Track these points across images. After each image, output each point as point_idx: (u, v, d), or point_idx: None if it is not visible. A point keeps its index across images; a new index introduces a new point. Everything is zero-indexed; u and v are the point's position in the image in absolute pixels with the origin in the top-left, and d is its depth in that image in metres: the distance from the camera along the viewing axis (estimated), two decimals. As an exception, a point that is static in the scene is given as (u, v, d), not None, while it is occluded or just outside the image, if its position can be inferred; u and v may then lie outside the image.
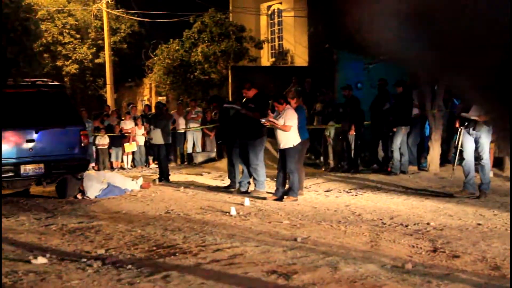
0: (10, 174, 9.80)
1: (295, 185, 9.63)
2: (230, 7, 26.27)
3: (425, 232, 6.76)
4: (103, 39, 27.40)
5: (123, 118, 18.64)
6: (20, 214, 8.77)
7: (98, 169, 16.53)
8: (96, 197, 10.43)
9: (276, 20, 26.18)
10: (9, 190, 10.46)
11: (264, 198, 9.77)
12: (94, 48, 29.57)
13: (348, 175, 12.66)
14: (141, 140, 17.66)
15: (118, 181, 11.12)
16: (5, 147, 9.70)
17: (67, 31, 29.23)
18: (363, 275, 4.85)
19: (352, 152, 13.32)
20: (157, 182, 12.63)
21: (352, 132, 13.14)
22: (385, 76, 13.18)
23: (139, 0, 27.59)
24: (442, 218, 7.69)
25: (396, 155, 12.33)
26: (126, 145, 17.42)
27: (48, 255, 5.76)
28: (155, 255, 5.81)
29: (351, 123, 13.14)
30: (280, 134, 9.66)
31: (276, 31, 26.17)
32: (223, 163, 14.23)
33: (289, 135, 9.59)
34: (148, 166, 17.60)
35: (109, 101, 25.69)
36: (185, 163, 17.75)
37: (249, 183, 10.79)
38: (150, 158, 17.76)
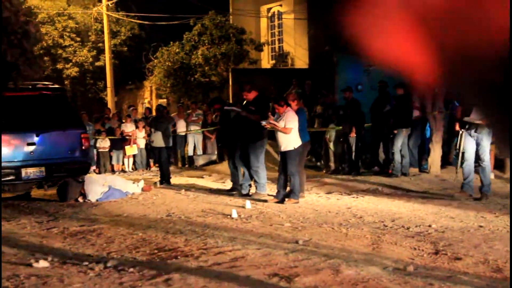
0: (11, 177, 9.81)
1: (296, 187, 9.63)
2: (230, 10, 26.29)
3: (426, 234, 6.76)
4: (103, 42, 27.40)
5: (123, 121, 18.64)
6: (21, 218, 8.77)
7: (99, 172, 16.54)
8: (97, 200, 10.43)
9: (276, 23, 26.18)
10: (10, 193, 10.46)
11: (265, 201, 9.76)
12: (95, 51, 29.58)
13: (349, 177, 12.65)
14: (142, 143, 17.66)
15: (119, 184, 11.12)
16: (6, 151, 9.70)
17: (67, 34, 29.24)
18: (364, 278, 4.84)
19: (353, 154, 13.32)
20: (158, 185, 12.63)
21: (353, 134, 13.14)
22: (385, 78, 13.18)
23: (139, 3, 27.61)
24: (444, 220, 7.68)
25: (397, 157, 12.33)
26: (127, 148, 17.42)
27: (49, 259, 5.76)
28: (157, 258, 5.81)
29: (351, 125, 13.14)
30: (280, 137, 9.66)
31: (276, 33, 26.17)
32: (224, 166, 14.22)
33: (290, 137, 9.58)
34: (149, 169, 17.59)
35: (110, 104, 25.69)
36: (186, 165, 17.76)
37: (250, 185, 10.78)
38: (151, 161, 17.76)
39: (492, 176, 11.10)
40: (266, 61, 25.88)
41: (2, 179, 9.59)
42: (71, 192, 10.55)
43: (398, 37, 0.70)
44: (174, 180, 13.33)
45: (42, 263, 5.53)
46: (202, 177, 14.38)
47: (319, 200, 9.94)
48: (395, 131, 12.34)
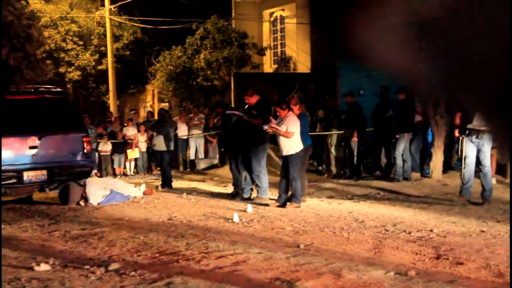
0: (13, 180, 9.82)
1: (298, 191, 9.63)
2: (233, 14, 26.34)
3: (428, 239, 6.75)
4: (106, 46, 27.44)
5: (125, 124, 18.66)
6: (23, 221, 8.78)
7: (101, 176, 16.55)
8: (99, 203, 10.43)
9: (278, 27, 26.22)
10: (12, 196, 10.47)
11: (267, 205, 9.76)
12: (97, 54, 29.62)
13: (350, 181, 12.65)
14: (144, 146, 17.67)
15: (121, 188, 11.12)
16: (8, 154, 9.72)
17: (70, 37, 29.29)
18: (366, 282, 4.84)
19: (355, 158, 13.32)
20: (159, 188, 12.64)
21: (355, 139, 13.14)
22: (388, 83, 13.19)
23: (142, 7, 27.67)
24: (445, 225, 7.68)
25: (399, 161, 12.33)
26: (129, 151, 17.44)
27: (51, 262, 5.76)
28: (158, 262, 5.80)
29: (353, 129, 13.14)
30: (282, 141, 9.66)
31: (279, 37, 26.21)
32: (226, 170, 14.23)
33: (292, 141, 9.59)
34: (151, 173, 17.60)
35: (112, 108, 25.72)
36: (188, 169, 17.76)
37: (251, 189, 10.78)
38: (153, 165, 17.77)
39: (493, 181, 11.08)
40: (268, 66, 25.91)
41: (4, 183, 9.60)
42: (72, 196, 10.55)
43: (400, 44, 0.71)
44: (176, 184, 13.34)
45: (44, 267, 5.53)
46: (204, 181, 14.38)
47: (321, 205, 9.93)
48: (397, 136, 12.34)
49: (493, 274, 5.16)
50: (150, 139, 15.16)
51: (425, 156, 13.09)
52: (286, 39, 25.55)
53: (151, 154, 16.46)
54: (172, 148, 13.66)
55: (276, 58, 26.17)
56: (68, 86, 28.89)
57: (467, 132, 9.25)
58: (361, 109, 13.27)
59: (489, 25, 0.63)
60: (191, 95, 24.18)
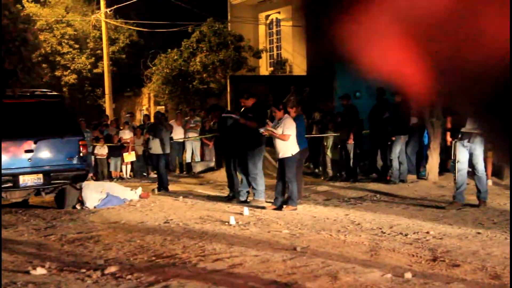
0: (9, 184, 9.80)
1: (294, 194, 9.63)
2: (229, 17, 26.36)
3: (424, 241, 6.75)
4: (101, 49, 27.43)
5: (121, 128, 18.64)
6: (19, 225, 8.76)
7: (97, 179, 16.51)
8: (95, 207, 10.41)
9: (274, 30, 26.25)
10: (7, 201, 10.44)
11: (263, 208, 9.76)
12: (93, 58, 29.60)
13: (347, 184, 12.66)
14: (140, 150, 17.65)
15: (117, 191, 11.11)
16: (4, 158, 9.70)
17: (65, 41, 29.27)
18: (363, 285, 4.84)
19: (351, 161, 13.33)
20: (156, 191, 12.63)
21: (351, 141, 13.16)
22: (384, 85, 13.19)
23: (138, 10, 27.65)
24: (442, 227, 7.68)
25: (395, 164, 12.35)
26: (125, 155, 17.41)
27: (47, 266, 5.75)
28: (155, 265, 5.80)
29: (349, 132, 13.15)
30: (278, 144, 9.67)
31: (275, 40, 26.24)
32: (222, 173, 14.21)
33: (288, 144, 9.59)
34: (147, 176, 17.58)
35: (108, 111, 25.70)
36: (184, 172, 17.75)
37: (248, 192, 10.78)
38: (149, 168, 17.74)
39: (490, 183, 11.10)
40: (264, 68, 25.93)
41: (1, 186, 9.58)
42: (69, 199, 10.53)
43: (393, 50, 0.71)
44: (172, 187, 13.32)
45: (40, 270, 5.52)
46: (200, 184, 14.37)
47: (317, 207, 9.93)
48: (393, 138, 12.36)
49: (489, 276, 5.17)
50: (146, 142, 15.15)
51: (421, 158, 13.10)
52: (282, 42, 25.58)
53: (147, 157, 16.43)
54: (168, 151, 13.65)
55: (272, 60, 26.20)
56: (64, 89, 28.86)
57: (459, 136, 9.24)
58: (357, 112, 13.29)
59: (481, 29, 0.63)
60: (187, 98, 24.18)
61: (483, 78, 0.67)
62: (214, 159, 17.29)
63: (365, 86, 15.50)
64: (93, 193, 10.63)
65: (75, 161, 10.51)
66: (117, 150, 17.42)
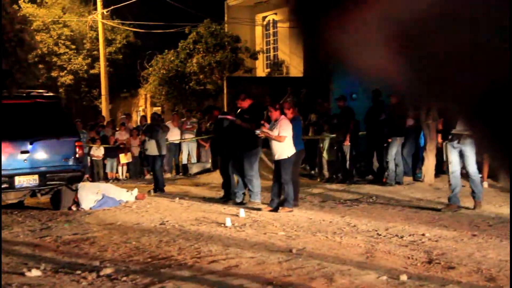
0: (5, 185, 9.77)
1: (290, 196, 9.62)
2: (226, 18, 26.34)
3: (420, 243, 6.76)
4: (98, 50, 27.40)
5: (117, 129, 18.62)
6: (14, 226, 8.74)
7: (93, 180, 16.49)
8: (90, 208, 10.39)
9: (271, 31, 26.25)
10: (3, 202, 10.41)
11: (259, 209, 9.75)
12: (89, 58, 29.57)
13: (343, 186, 12.66)
14: (136, 151, 17.63)
15: (113, 192, 11.09)
16: (0, 158, 9.67)
17: (62, 42, 29.23)
18: (358, 287, 4.85)
19: (347, 162, 13.32)
20: (152, 193, 12.61)
21: (347, 143, 13.16)
22: (381, 87, 13.18)
23: (134, 11, 27.63)
24: (437, 229, 7.69)
25: (391, 165, 12.35)
26: (121, 156, 17.40)
27: (42, 267, 5.74)
28: (150, 266, 5.79)
29: (346, 133, 13.15)
30: (274, 145, 9.66)
31: (271, 41, 26.24)
32: (219, 174, 14.20)
33: (284, 146, 9.58)
34: (143, 177, 17.56)
35: (104, 112, 25.66)
36: (180, 174, 17.73)
37: (244, 194, 10.77)
38: (145, 169, 17.72)
39: (486, 185, 11.12)
40: (261, 70, 25.93)
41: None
42: (64, 200, 10.51)
43: (382, 51, 0.71)
44: (168, 188, 13.31)
45: (35, 272, 5.51)
46: (196, 186, 14.36)
47: (313, 209, 9.93)
48: (389, 140, 12.37)
49: (484, 278, 5.18)
50: (142, 144, 15.13)
51: (417, 160, 13.11)
52: (278, 43, 25.58)
53: (143, 158, 16.41)
54: (164, 152, 13.64)
55: (269, 62, 26.19)
56: (61, 90, 28.81)
57: (449, 137, 9.24)
58: (353, 113, 13.30)
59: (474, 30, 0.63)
60: (183, 99, 24.16)
61: (475, 78, 0.67)
62: (210, 161, 17.28)
63: (361, 87, 15.51)
64: (89, 194, 10.61)
65: (71, 162, 10.48)
66: (113, 151, 17.40)
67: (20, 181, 9.94)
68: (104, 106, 26.50)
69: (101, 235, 7.71)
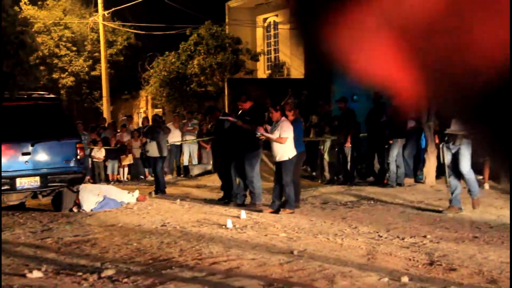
0: (6, 187, 9.78)
1: (292, 197, 9.62)
2: (226, 20, 26.37)
3: (421, 245, 6.76)
4: (99, 52, 27.43)
5: (119, 130, 18.63)
6: (15, 228, 8.74)
7: (94, 182, 16.49)
8: (92, 210, 10.40)
9: (272, 33, 26.28)
10: (4, 203, 10.42)
11: (261, 211, 9.75)
12: (91, 60, 29.60)
13: (344, 187, 12.65)
14: (137, 152, 17.64)
15: (114, 194, 11.09)
16: (1, 160, 9.67)
17: (63, 43, 29.26)
18: (359, 289, 4.84)
19: (348, 164, 13.32)
20: (153, 194, 12.61)
21: (348, 144, 13.15)
22: (380, 89, 13.16)
23: (135, 12, 27.67)
24: (439, 230, 7.69)
25: (392, 167, 12.34)
26: (122, 157, 17.40)
27: (43, 269, 5.74)
28: (151, 268, 5.79)
29: (347, 135, 13.15)
30: (275, 147, 9.66)
31: (272, 43, 26.26)
32: (220, 176, 14.22)
33: (285, 147, 9.58)
34: (144, 179, 17.56)
35: (105, 114, 25.68)
36: (182, 175, 17.73)
37: (245, 195, 10.77)
38: (146, 171, 17.72)
39: (487, 187, 11.11)
40: (262, 71, 25.95)
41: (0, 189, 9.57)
42: (65, 202, 10.52)
43: (380, 55, 0.71)
44: (169, 190, 13.31)
45: (36, 274, 5.51)
46: (197, 187, 14.36)
47: (314, 210, 9.93)
48: (391, 141, 12.36)
49: (486, 280, 5.17)
50: (143, 145, 15.14)
51: (419, 162, 13.11)
52: (279, 45, 25.61)
53: (144, 160, 16.41)
54: (165, 154, 13.64)
55: (269, 63, 26.22)
56: (62, 92, 28.84)
57: (445, 138, 9.22)
58: (354, 115, 13.29)
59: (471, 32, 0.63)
60: (184, 101, 24.18)
61: (473, 79, 0.67)
62: (211, 162, 17.27)
63: (362, 89, 15.51)
64: (90, 196, 10.62)
65: (72, 164, 10.49)
66: (114, 153, 17.41)
67: (22, 182, 9.94)
68: (105, 108, 26.53)
69: (102, 236, 7.71)
